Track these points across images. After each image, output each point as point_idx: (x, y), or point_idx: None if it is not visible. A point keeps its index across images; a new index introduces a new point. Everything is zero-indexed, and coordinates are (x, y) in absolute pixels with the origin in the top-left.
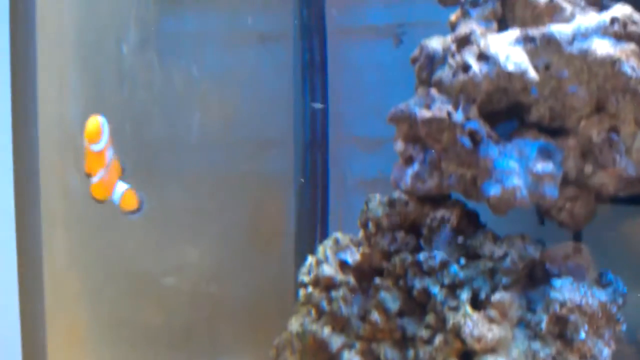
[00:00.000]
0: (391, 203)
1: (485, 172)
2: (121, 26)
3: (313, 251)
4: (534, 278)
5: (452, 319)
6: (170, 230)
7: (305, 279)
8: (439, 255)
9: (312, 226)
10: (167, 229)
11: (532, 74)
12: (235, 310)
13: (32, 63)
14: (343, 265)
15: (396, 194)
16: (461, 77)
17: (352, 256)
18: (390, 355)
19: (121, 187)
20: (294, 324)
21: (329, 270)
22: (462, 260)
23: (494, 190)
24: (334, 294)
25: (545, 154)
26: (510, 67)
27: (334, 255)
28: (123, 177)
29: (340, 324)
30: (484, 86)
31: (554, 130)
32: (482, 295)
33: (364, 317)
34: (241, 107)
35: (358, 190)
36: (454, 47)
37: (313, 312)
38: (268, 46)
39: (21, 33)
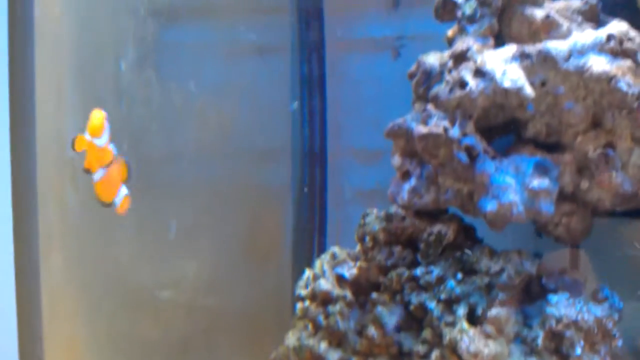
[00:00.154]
0: (388, 217)
1: (481, 187)
2: (119, 43)
3: (311, 263)
4: (530, 293)
5: (448, 334)
6: (168, 243)
7: (303, 292)
8: (436, 270)
9: (310, 238)
10: (165, 242)
11: (528, 90)
12: (232, 323)
13: (30, 80)
14: (340, 279)
15: (393, 209)
16: (458, 93)
17: (349, 270)
18: None
19: (123, 191)
20: (291, 338)
21: (325, 284)
22: (459, 275)
23: (491, 206)
24: (330, 308)
25: (542, 169)
26: (507, 84)
27: (331, 270)
28: (128, 179)
29: (337, 339)
30: (480, 102)
31: (551, 145)
32: (479, 311)
33: (360, 332)
34: (239, 119)
35: (356, 202)
36: (450, 63)
37: (310, 326)
38: (267, 59)
39: (19, 50)
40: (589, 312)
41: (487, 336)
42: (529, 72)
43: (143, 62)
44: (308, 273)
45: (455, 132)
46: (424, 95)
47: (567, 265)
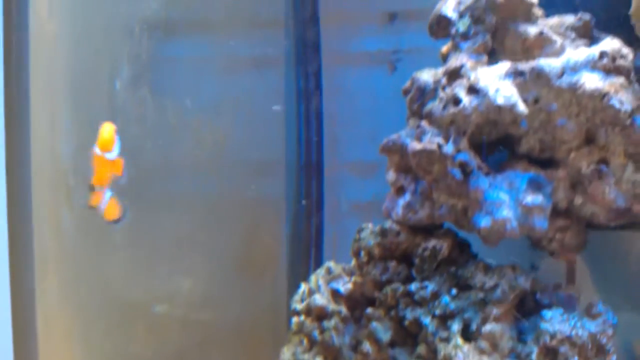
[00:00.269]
0: (383, 232)
1: (475, 203)
2: (114, 61)
3: (307, 277)
4: (524, 308)
5: (443, 350)
6: (162, 259)
7: (298, 306)
8: (431, 285)
9: (306, 251)
10: (159, 258)
11: (521, 107)
12: (227, 338)
13: (24, 99)
14: (335, 294)
15: (388, 224)
16: (451, 109)
17: (344, 285)
18: None
19: (107, 195)
20: (286, 354)
21: (320, 299)
22: (454, 291)
23: (485, 222)
24: (325, 323)
25: (535, 185)
26: (500, 101)
27: (326, 285)
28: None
29: (332, 354)
30: (474, 119)
31: (544, 161)
32: (473, 327)
33: (355, 347)
34: (235, 133)
35: (353, 215)
36: (444, 80)
37: (305, 341)
38: (263, 72)
39: (14, 69)
40: (583, 328)
41: (482, 352)
42: (522, 89)
43: (138, 80)
44: (303, 287)
45: (449, 148)
46: (418, 111)
47: (563, 277)
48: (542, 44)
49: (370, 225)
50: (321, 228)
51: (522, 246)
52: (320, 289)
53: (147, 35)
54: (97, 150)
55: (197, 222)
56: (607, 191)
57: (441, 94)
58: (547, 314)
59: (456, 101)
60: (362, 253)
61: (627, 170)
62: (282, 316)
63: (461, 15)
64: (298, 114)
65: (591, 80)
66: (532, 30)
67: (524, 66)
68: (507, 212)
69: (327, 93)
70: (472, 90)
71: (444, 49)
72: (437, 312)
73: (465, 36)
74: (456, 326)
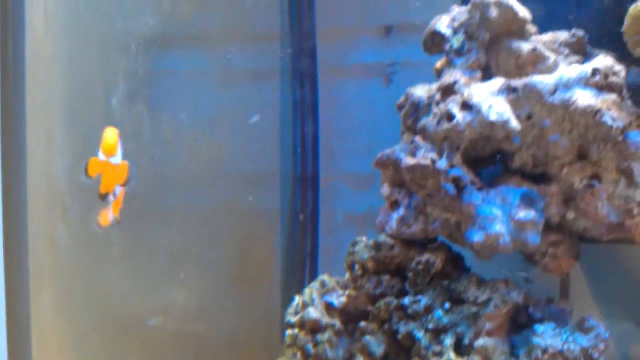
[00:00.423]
0: (377, 246)
1: (469, 218)
2: (110, 80)
3: (302, 289)
4: (517, 323)
5: None
6: (157, 272)
7: (292, 319)
8: (424, 299)
9: (302, 264)
10: (154, 271)
11: (514, 123)
12: (221, 351)
13: (21, 119)
14: (329, 307)
15: (382, 238)
16: (445, 125)
17: (338, 299)
18: None
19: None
20: None
21: (314, 313)
22: (447, 305)
23: (478, 237)
24: (319, 337)
25: (528, 201)
26: (493, 117)
27: (320, 298)
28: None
29: None
30: (467, 134)
31: (537, 176)
32: (466, 341)
33: None
34: (231, 145)
35: (348, 227)
36: (438, 96)
37: (299, 354)
38: (260, 85)
39: (11, 89)
40: (575, 342)
41: None
42: (516, 106)
43: (134, 96)
44: (298, 300)
45: (442, 163)
46: (412, 126)
47: (558, 290)
48: (535, 61)
49: (364, 239)
50: (316, 240)
51: (517, 260)
52: (314, 302)
53: (143, 51)
54: (101, 155)
55: (192, 235)
56: (600, 206)
57: (435, 109)
58: (539, 328)
59: (450, 117)
60: (357, 267)
61: (620, 185)
62: (276, 329)
63: (455, 32)
64: (294, 126)
65: (584, 97)
66: (525, 46)
67: (517, 83)
68: (500, 227)
69: (324, 105)
70: (466, 106)
71: (439, 64)
72: (430, 326)
73: (459, 52)
74: (449, 340)
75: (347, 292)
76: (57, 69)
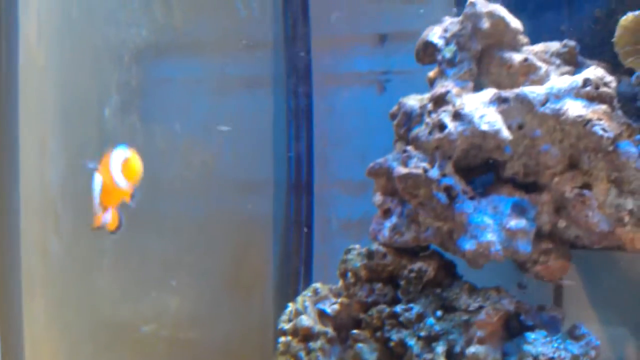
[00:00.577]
0: (369, 254)
1: (460, 227)
2: (104, 90)
3: (297, 296)
4: (509, 330)
5: None
6: (150, 279)
7: (285, 327)
8: (416, 307)
9: (296, 270)
10: (147, 279)
11: (505, 133)
12: (215, 357)
13: (14, 129)
14: (322, 315)
15: (374, 246)
16: (437, 135)
17: (331, 306)
18: None
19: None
20: None
21: (307, 320)
22: (439, 313)
23: (469, 245)
24: (312, 344)
25: (519, 210)
26: (484, 127)
27: (312, 305)
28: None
29: None
30: (459, 144)
31: (529, 185)
32: (458, 349)
33: None
34: (224, 153)
35: (342, 234)
36: (430, 106)
37: None
38: (254, 92)
39: (4, 99)
40: (566, 350)
41: None
42: (507, 116)
43: (127, 106)
44: (291, 308)
45: (434, 172)
46: (404, 136)
47: (551, 296)
48: (527, 71)
49: (357, 247)
50: (311, 247)
51: (509, 267)
52: (307, 309)
53: (136, 62)
54: (120, 178)
55: (186, 243)
56: (591, 215)
57: (427, 119)
58: (530, 336)
59: (442, 127)
60: (349, 274)
61: (611, 194)
62: (269, 336)
63: (447, 42)
64: (288, 134)
65: (574, 108)
66: (517, 57)
67: (508, 93)
68: (491, 236)
69: (318, 113)
70: (458, 116)
71: (431, 74)
72: (422, 333)
73: (451, 63)
74: (441, 348)
75: (340, 299)
76: (50, 78)
